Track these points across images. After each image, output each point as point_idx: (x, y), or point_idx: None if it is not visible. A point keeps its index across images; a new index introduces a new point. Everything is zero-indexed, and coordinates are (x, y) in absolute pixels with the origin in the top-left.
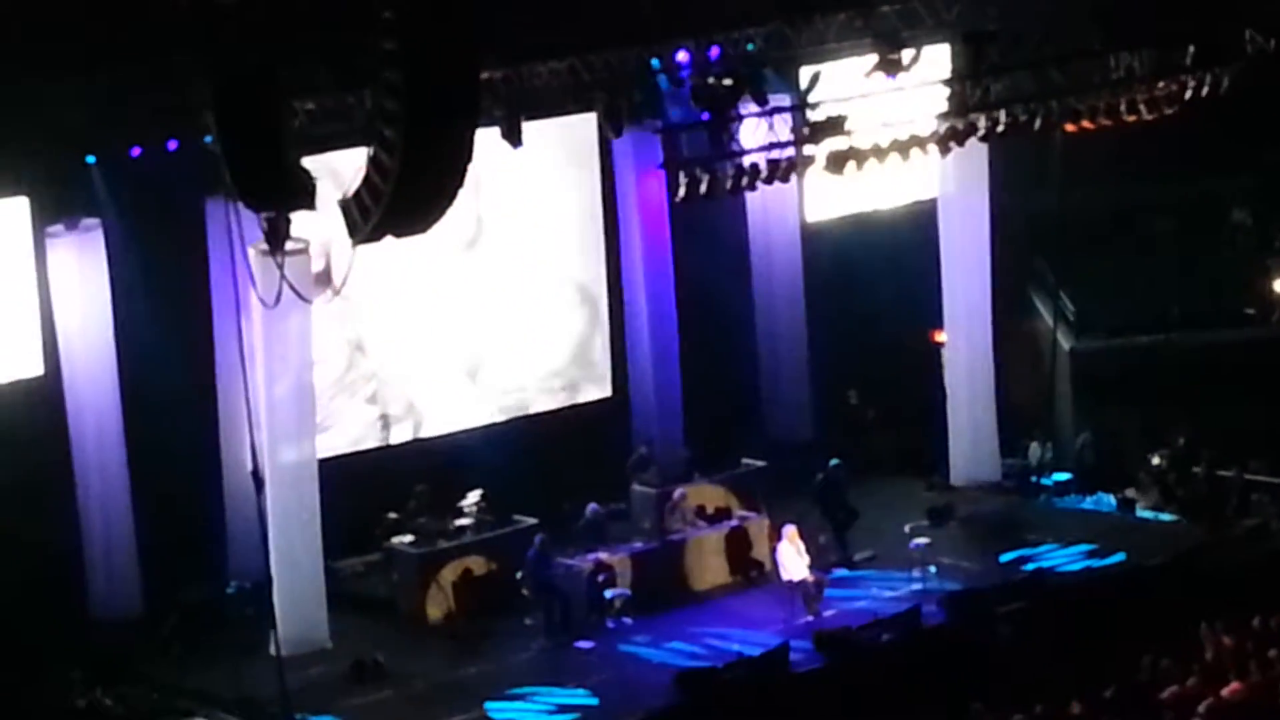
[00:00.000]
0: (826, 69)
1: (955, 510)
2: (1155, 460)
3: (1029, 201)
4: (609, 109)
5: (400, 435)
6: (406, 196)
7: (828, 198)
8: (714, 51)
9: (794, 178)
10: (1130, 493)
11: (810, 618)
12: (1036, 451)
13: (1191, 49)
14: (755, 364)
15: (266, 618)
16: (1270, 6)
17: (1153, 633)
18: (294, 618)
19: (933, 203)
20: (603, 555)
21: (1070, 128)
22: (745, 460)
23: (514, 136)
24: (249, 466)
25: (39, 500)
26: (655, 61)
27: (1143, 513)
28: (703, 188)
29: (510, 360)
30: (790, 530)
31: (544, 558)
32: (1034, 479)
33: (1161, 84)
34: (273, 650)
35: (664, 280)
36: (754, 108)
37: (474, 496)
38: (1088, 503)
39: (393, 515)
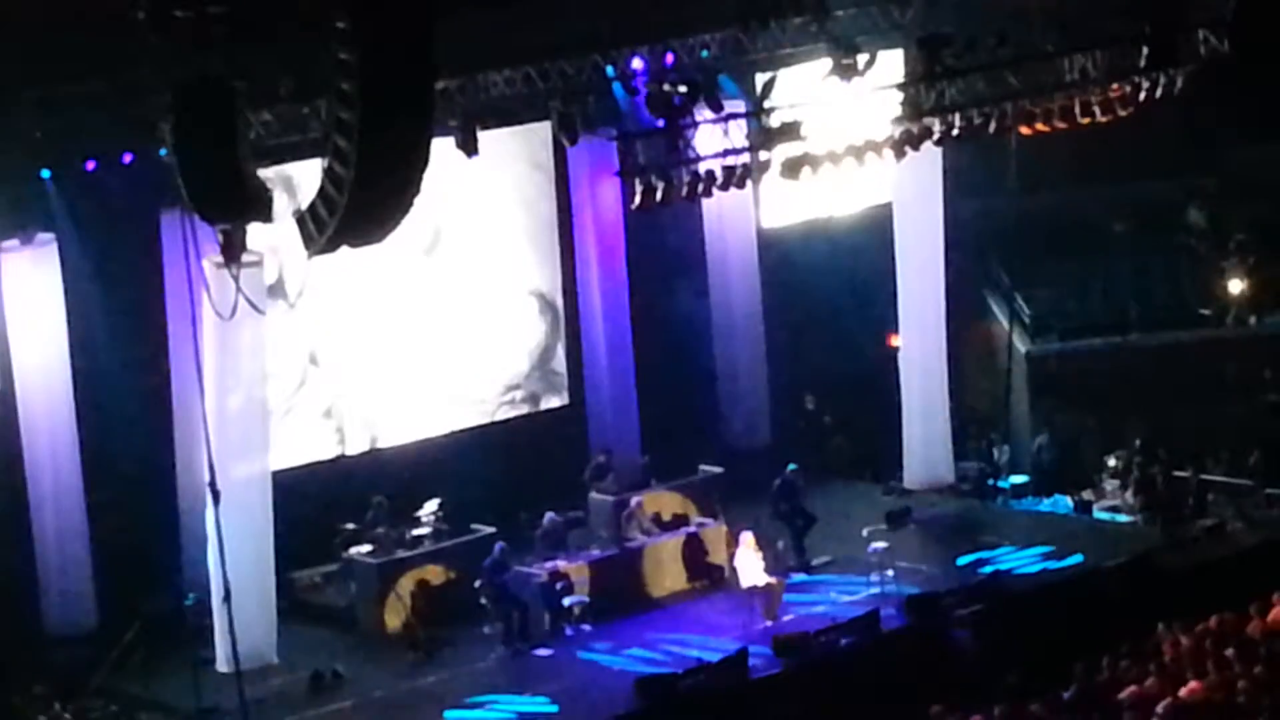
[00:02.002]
0: (781, 74)
1: (912, 514)
2: (1112, 462)
3: (984, 205)
4: (564, 117)
5: (357, 446)
6: (361, 207)
7: (784, 204)
8: (669, 58)
9: (749, 184)
10: (1087, 494)
11: (769, 623)
12: (1006, 452)
13: (1145, 51)
14: (712, 370)
15: (216, 630)
16: (1223, 7)
17: (1111, 634)
18: (246, 631)
19: (888, 207)
20: (560, 563)
21: (1025, 130)
22: (702, 466)
23: (469, 145)
24: (205, 479)
25: None
26: (610, 69)
27: (1100, 514)
28: (658, 195)
29: (469, 370)
30: (748, 536)
31: (501, 566)
32: (991, 481)
33: (1115, 86)
34: (221, 665)
35: (620, 287)
36: (709, 114)
37: (432, 506)
38: (1045, 505)
39: (350, 526)
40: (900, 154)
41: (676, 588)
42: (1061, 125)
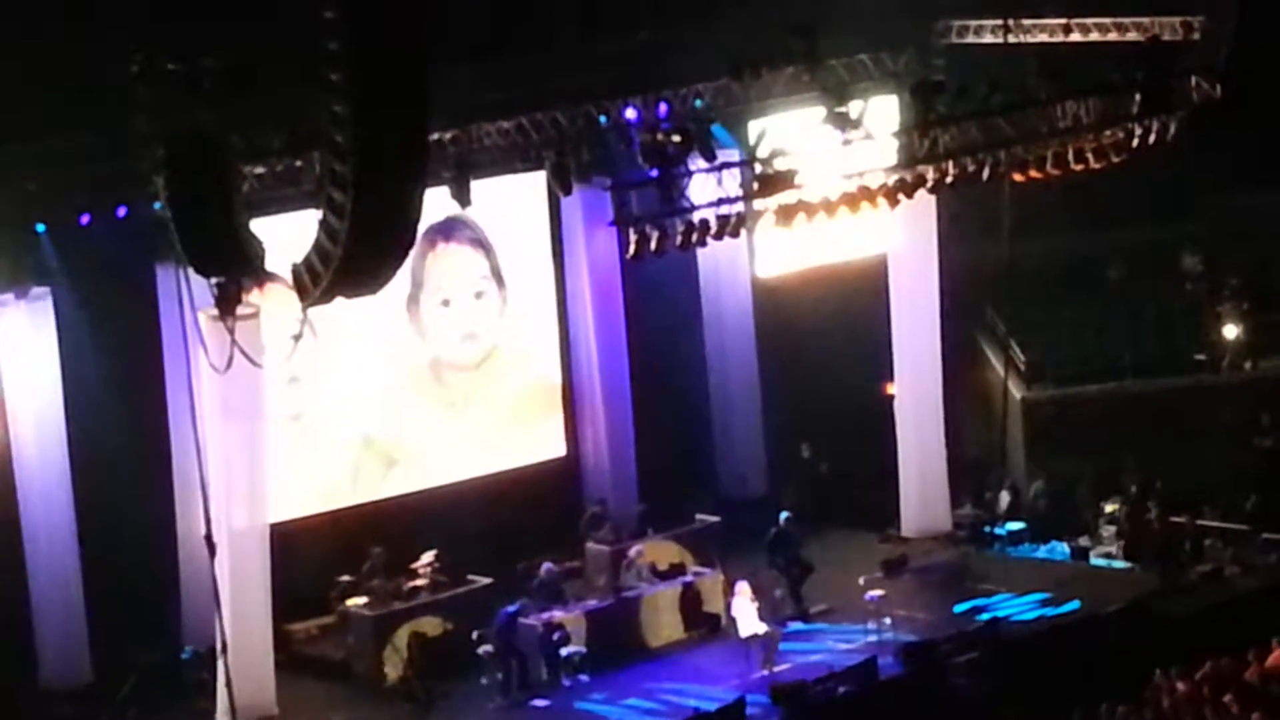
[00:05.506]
0: (775, 122)
1: (909, 561)
2: (1108, 508)
3: (978, 252)
4: (557, 167)
5: (353, 498)
6: (356, 259)
7: (778, 253)
8: (662, 108)
9: (744, 233)
10: (1084, 541)
11: (766, 672)
12: (1007, 497)
13: (1138, 97)
14: (708, 419)
15: (216, 683)
16: (1216, 54)
17: (1108, 680)
18: (244, 684)
19: (883, 255)
20: (557, 613)
21: (1019, 177)
22: (699, 516)
23: (463, 196)
24: (202, 532)
25: None
26: (603, 119)
27: (1096, 560)
28: (653, 244)
29: (464, 421)
30: (744, 585)
31: (515, 624)
32: (987, 528)
33: (1109, 132)
34: (220, 717)
35: (616, 337)
36: (703, 163)
37: (428, 557)
38: (1041, 551)
39: (347, 578)
40: (894, 202)
41: (674, 637)
42: (1055, 172)
